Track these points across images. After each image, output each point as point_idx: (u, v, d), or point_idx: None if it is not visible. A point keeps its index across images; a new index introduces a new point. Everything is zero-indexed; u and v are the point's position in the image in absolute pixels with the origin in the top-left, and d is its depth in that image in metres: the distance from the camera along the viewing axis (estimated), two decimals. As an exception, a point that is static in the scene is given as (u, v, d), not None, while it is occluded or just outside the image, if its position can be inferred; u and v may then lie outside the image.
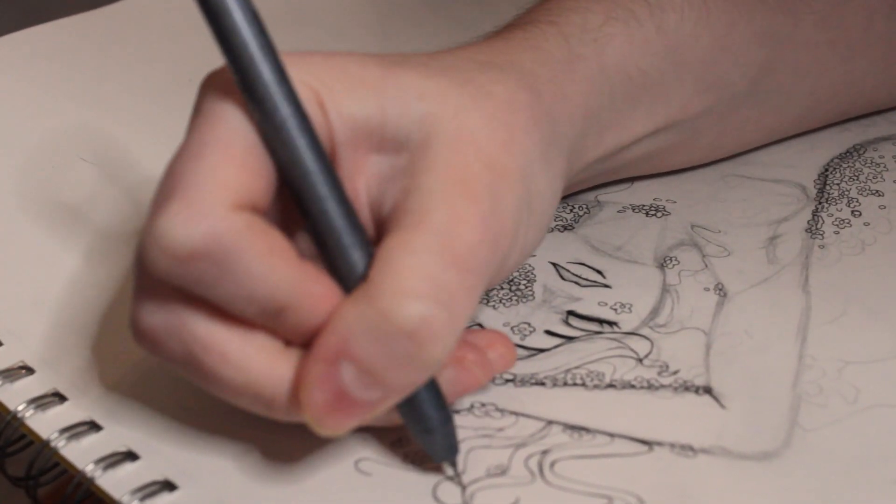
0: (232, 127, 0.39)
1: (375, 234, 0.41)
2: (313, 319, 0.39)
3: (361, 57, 0.42)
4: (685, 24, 0.50)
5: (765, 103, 0.53)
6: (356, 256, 0.40)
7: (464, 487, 0.42)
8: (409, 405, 0.41)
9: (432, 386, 0.41)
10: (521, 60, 0.45)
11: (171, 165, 0.40)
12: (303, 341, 0.40)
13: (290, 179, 0.39)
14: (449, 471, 0.42)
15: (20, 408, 0.44)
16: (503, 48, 0.46)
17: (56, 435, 0.43)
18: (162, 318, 0.39)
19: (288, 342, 0.40)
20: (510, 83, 0.44)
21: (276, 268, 0.38)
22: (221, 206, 0.38)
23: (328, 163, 0.40)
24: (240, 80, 0.39)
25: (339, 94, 0.41)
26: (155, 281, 0.39)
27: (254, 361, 0.39)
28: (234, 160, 0.39)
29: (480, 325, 0.48)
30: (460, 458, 0.43)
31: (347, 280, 0.40)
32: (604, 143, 0.49)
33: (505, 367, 0.44)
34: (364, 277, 0.39)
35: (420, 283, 0.38)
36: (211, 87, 0.40)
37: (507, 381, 0.46)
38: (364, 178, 0.41)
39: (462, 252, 0.39)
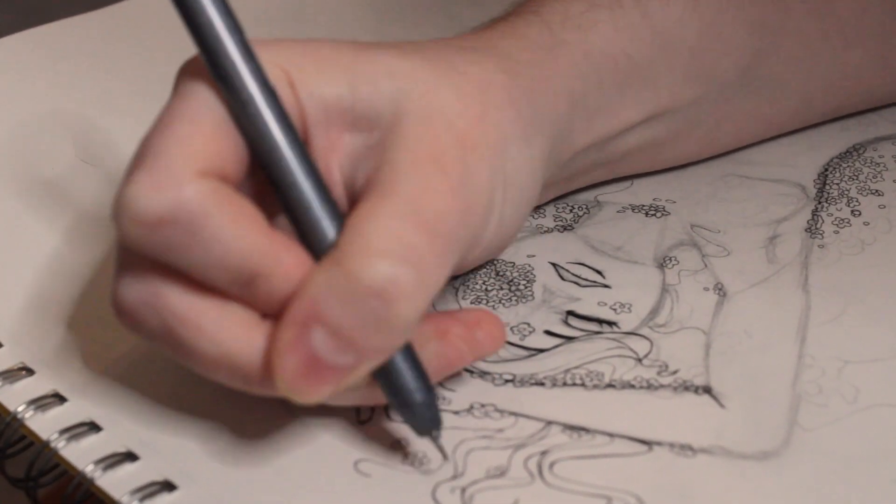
0: (201, 101, 0.40)
1: (349, 211, 0.42)
2: (285, 287, 0.39)
3: (335, 42, 0.43)
4: (672, 11, 0.50)
5: (759, 94, 0.53)
6: (326, 226, 0.40)
7: (445, 456, 0.42)
8: (387, 376, 0.41)
9: (410, 356, 0.41)
10: (501, 46, 0.46)
11: (143, 139, 0.40)
12: (277, 312, 0.40)
13: (260, 155, 0.40)
14: (434, 445, 0.42)
15: (20, 409, 0.44)
16: (485, 35, 0.47)
17: (56, 436, 0.43)
18: (138, 291, 0.40)
19: (264, 315, 0.40)
20: (487, 64, 0.44)
21: (244, 234, 0.39)
22: (187, 173, 0.39)
23: (296, 136, 0.40)
24: (206, 58, 0.40)
25: (310, 74, 0.41)
26: (131, 255, 0.40)
27: (229, 333, 0.39)
28: (202, 130, 0.39)
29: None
30: (460, 459, 0.43)
31: (318, 250, 0.40)
32: (593, 129, 0.49)
33: (494, 346, 0.44)
34: (333, 244, 0.40)
35: (386, 244, 0.38)
36: (185, 71, 0.41)
37: (507, 381, 0.46)
38: (337, 157, 0.42)
39: (431, 218, 0.39)
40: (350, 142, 0.42)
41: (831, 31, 0.54)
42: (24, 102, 0.59)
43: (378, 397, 0.42)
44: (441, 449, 0.42)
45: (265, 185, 0.41)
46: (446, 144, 0.41)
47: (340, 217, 0.40)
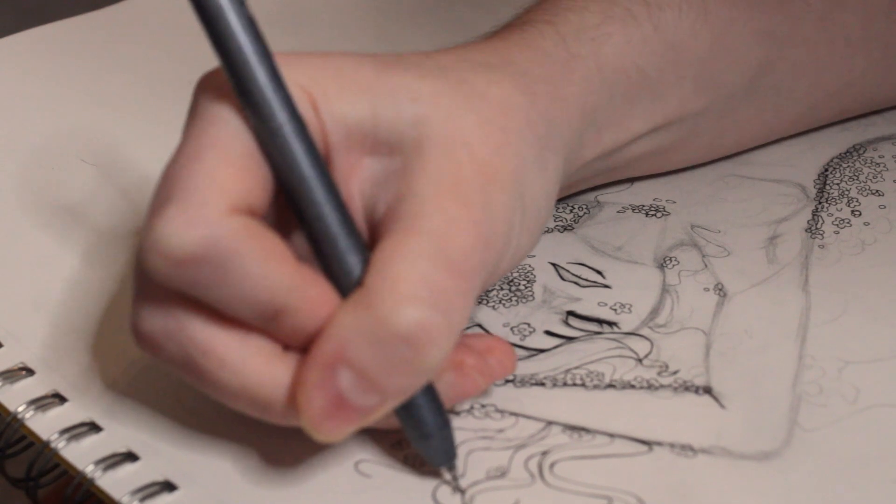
0: (229, 130, 0.39)
1: (369, 237, 0.41)
2: (311, 322, 0.39)
3: (356, 57, 0.42)
4: (683, 23, 0.50)
5: (763, 102, 0.53)
6: (352, 261, 0.40)
7: (462, 492, 0.42)
8: (406, 410, 0.41)
9: (429, 391, 0.41)
10: (517, 60, 0.45)
11: (168, 169, 0.40)
12: (300, 345, 0.40)
13: (287, 184, 0.39)
14: (447, 476, 0.42)
15: (20, 409, 0.44)
16: (499, 48, 0.46)
17: (56, 436, 0.43)
18: (161, 321, 0.39)
19: (286, 346, 0.40)
20: (505, 84, 0.44)
21: (273, 271, 0.38)
22: (219, 210, 0.38)
23: (324, 168, 0.40)
24: (235, 85, 0.39)
25: (332, 96, 0.41)
26: (154, 285, 0.39)
27: (251, 365, 0.39)
28: (232, 164, 0.39)
29: (480, 326, 0.48)
30: (460, 461, 0.43)
31: (344, 284, 0.40)
32: (602, 142, 0.49)
33: (504, 373, 0.44)
34: (360, 283, 0.39)
35: (416, 288, 0.38)
36: (206, 88, 0.40)
37: (507, 381, 0.46)
38: (358, 181, 0.41)
39: (456, 257, 0.39)
40: (370, 165, 0.41)
41: (837, 40, 0.54)
42: (24, 102, 0.59)
43: (393, 422, 0.42)
44: (455, 481, 0.42)
45: (282, 204, 0.41)
46: (468, 175, 0.41)
47: (366, 250, 0.40)
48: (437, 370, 0.40)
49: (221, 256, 0.38)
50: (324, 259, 0.40)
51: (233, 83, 0.39)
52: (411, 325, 0.38)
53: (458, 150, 0.41)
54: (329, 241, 0.40)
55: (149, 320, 0.40)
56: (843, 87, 0.55)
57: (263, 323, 0.39)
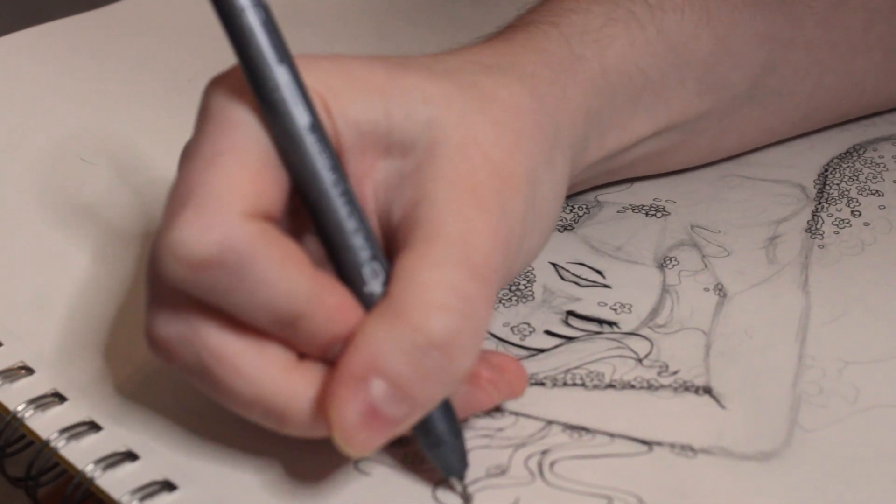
0: (246, 134, 0.39)
1: (384, 242, 0.41)
2: (328, 329, 0.39)
3: (366, 60, 0.42)
4: (686, 25, 0.50)
5: (765, 104, 0.53)
6: (371, 269, 0.40)
7: (468, 500, 0.42)
8: (422, 420, 0.41)
9: (444, 402, 0.41)
10: (524, 63, 0.45)
11: (184, 172, 0.39)
12: (317, 353, 0.40)
13: (305, 191, 0.39)
14: (457, 486, 0.42)
15: (20, 408, 0.44)
16: (505, 50, 0.46)
17: (56, 435, 0.43)
18: (175, 328, 0.39)
19: (302, 355, 0.40)
20: (514, 87, 0.44)
21: (290, 276, 0.38)
22: (235, 215, 0.38)
23: (343, 174, 0.39)
24: (255, 87, 0.38)
25: (345, 99, 0.40)
26: (169, 290, 0.39)
27: (267, 374, 0.39)
28: (249, 168, 0.39)
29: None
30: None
31: (362, 292, 0.40)
32: (606, 145, 0.49)
33: (514, 393, 0.44)
34: (385, 293, 0.39)
35: (445, 296, 0.38)
36: (220, 89, 0.40)
37: (507, 381, 0.46)
38: (371, 185, 0.41)
39: (479, 262, 0.39)
40: (383, 168, 0.41)
41: (839, 43, 0.54)
42: (26, 101, 0.59)
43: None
44: (464, 490, 0.42)
45: (298, 214, 0.40)
46: (484, 177, 0.41)
47: (384, 259, 0.40)
48: (466, 377, 0.40)
49: (238, 261, 0.38)
50: (341, 267, 0.40)
51: (252, 85, 0.39)
52: (444, 332, 0.38)
53: (473, 153, 0.41)
54: (347, 250, 0.40)
55: (163, 326, 0.39)
56: (845, 90, 0.55)
57: (280, 330, 0.39)
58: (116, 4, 0.65)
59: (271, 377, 0.39)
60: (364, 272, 0.40)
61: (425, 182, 0.40)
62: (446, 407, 0.41)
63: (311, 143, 0.39)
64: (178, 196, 0.39)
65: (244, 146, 0.39)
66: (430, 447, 0.41)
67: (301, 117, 0.39)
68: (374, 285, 0.40)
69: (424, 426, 0.41)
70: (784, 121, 0.55)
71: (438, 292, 0.38)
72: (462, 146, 0.41)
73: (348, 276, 0.40)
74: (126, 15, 0.65)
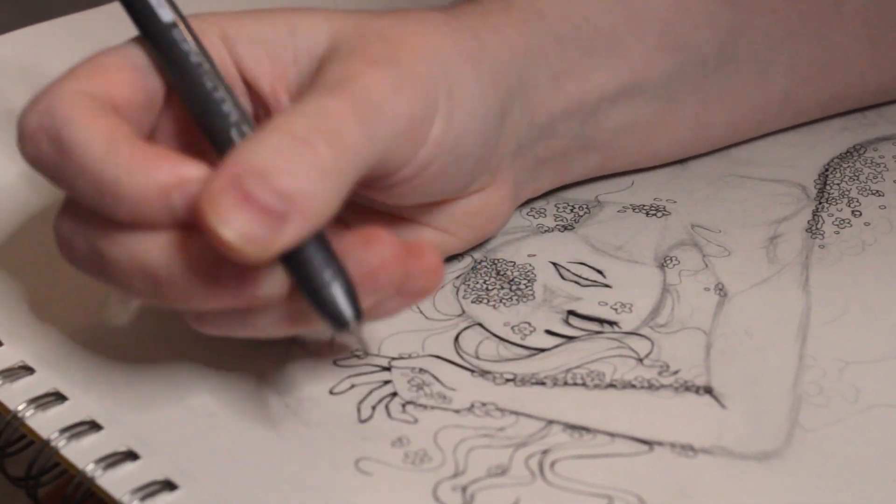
0: (117, 49, 0.42)
1: None
2: (151, 197, 0.39)
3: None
4: None
5: (742, 75, 0.53)
6: (239, 132, 0.41)
7: (367, 351, 0.42)
8: (298, 264, 0.39)
9: (322, 243, 0.39)
10: (454, 7, 0.47)
11: None
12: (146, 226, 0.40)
13: (173, 79, 0.42)
14: (354, 341, 0.41)
15: (20, 407, 0.44)
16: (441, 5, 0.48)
17: (56, 435, 0.43)
18: (67, 222, 0.41)
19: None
20: (430, 13, 0.46)
21: (110, 144, 0.39)
22: (66, 91, 0.40)
23: (208, 58, 0.41)
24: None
25: (249, 24, 0.43)
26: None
27: (139, 238, 0.40)
28: (95, 64, 0.41)
29: (481, 325, 0.48)
30: (460, 457, 0.43)
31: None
32: (566, 90, 0.49)
33: (428, 288, 0.42)
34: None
35: (315, 110, 0.40)
36: None
37: (508, 380, 0.46)
38: (285, 88, 0.43)
39: (357, 91, 0.41)
40: (295, 74, 0.43)
41: (809, 13, 0.54)
42: (25, 101, 0.59)
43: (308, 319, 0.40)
44: (363, 342, 0.41)
45: (183, 124, 0.43)
46: (381, 51, 0.43)
47: (252, 123, 0.41)
48: (339, 183, 0.39)
49: (54, 128, 0.40)
50: (212, 136, 0.41)
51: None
52: (308, 127, 0.39)
53: (371, 38, 0.43)
54: (214, 116, 0.41)
55: (60, 223, 0.42)
56: (827, 64, 0.55)
57: (106, 204, 0.39)
58: (117, 2, 0.65)
59: (144, 240, 0.40)
60: (233, 134, 0.41)
61: (324, 69, 0.42)
62: (325, 249, 0.39)
63: (176, 35, 0.42)
64: None
65: (107, 53, 0.42)
66: (312, 295, 0.39)
67: (165, 16, 0.42)
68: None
69: (303, 273, 0.39)
70: (768, 96, 0.54)
71: (308, 107, 0.40)
72: (363, 37, 0.43)
73: (218, 142, 0.41)
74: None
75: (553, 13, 0.49)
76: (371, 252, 0.40)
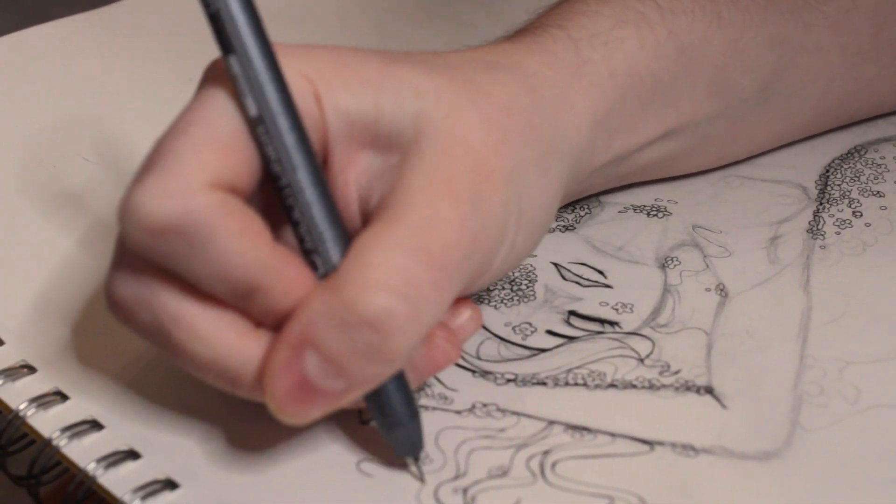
0: (219, 108, 0.39)
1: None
2: (284, 303, 0.39)
3: (364, 52, 0.42)
4: (697, 28, 0.50)
5: (775, 108, 0.53)
6: (330, 248, 0.40)
7: (423, 481, 0.42)
8: (375, 397, 0.41)
9: (400, 380, 0.41)
10: (528, 63, 0.45)
11: (157, 141, 0.40)
12: (274, 324, 0.40)
13: (272, 168, 0.40)
14: (412, 467, 0.42)
15: (22, 407, 0.44)
16: (511, 50, 0.46)
17: (57, 434, 0.43)
18: (134, 289, 0.40)
19: (259, 324, 0.40)
20: (511, 85, 0.44)
21: (248, 248, 0.39)
22: (198, 183, 0.38)
23: (311, 153, 0.40)
24: (228, 66, 0.39)
25: (337, 87, 0.41)
26: (130, 252, 0.39)
27: (222, 338, 0.39)
28: (217, 140, 0.39)
29: (482, 325, 0.48)
30: (461, 459, 0.43)
31: (321, 271, 0.40)
32: (613, 147, 0.48)
33: (473, 329, 0.44)
34: (334, 269, 0.40)
35: (387, 276, 0.38)
36: (210, 71, 0.41)
37: (509, 381, 0.46)
38: (355, 173, 0.41)
39: (436, 250, 0.39)
40: (369, 159, 0.41)
41: (849, 47, 0.54)
42: (27, 100, 0.59)
43: (362, 402, 0.42)
44: (419, 472, 0.42)
45: (273, 197, 0.41)
46: (462, 171, 0.41)
47: (347, 239, 0.40)
48: (404, 358, 0.40)
49: (195, 229, 0.38)
50: (302, 243, 0.40)
51: (226, 65, 0.39)
52: (377, 310, 0.38)
53: (456, 146, 0.41)
54: (307, 224, 0.40)
55: (122, 286, 0.40)
56: (855, 94, 0.55)
57: (236, 300, 0.39)
58: (117, 4, 0.65)
59: (226, 341, 0.40)
60: (324, 250, 0.40)
61: (405, 171, 0.41)
62: (402, 387, 0.41)
63: (280, 122, 0.39)
64: (147, 161, 0.39)
65: (215, 119, 0.39)
66: (386, 428, 0.41)
67: (271, 97, 0.39)
68: (333, 265, 0.40)
69: (379, 406, 0.41)
70: (792, 126, 0.55)
71: (380, 271, 0.38)
72: (446, 139, 0.41)
73: (309, 253, 0.40)
74: (126, 15, 0.65)
75: (622, 71, 0.48)
76: (435, 349, 0.42)
